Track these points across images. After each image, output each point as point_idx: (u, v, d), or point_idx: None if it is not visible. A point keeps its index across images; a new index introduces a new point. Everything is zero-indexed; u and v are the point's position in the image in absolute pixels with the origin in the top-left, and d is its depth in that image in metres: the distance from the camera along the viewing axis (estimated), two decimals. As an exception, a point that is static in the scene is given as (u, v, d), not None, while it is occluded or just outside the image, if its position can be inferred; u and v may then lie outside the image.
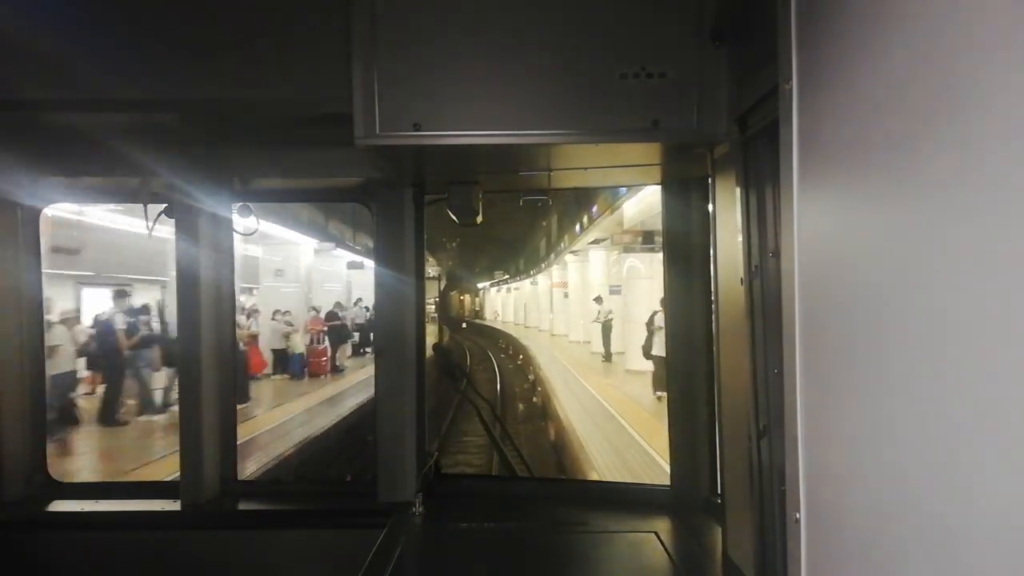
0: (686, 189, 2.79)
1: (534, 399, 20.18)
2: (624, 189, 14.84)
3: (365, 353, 22.03)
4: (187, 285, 2.94)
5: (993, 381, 0.68)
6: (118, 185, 3.07)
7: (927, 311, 0.80)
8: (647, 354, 14.87)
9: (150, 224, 2.92)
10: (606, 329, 22.98)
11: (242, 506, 3.04)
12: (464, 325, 53.80)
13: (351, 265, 24.17)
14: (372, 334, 20.03)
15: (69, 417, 10.16)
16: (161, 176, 2.74)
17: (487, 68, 1.97)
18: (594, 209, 21.54)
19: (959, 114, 0.74)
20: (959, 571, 0.74)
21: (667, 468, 2.95)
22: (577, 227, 26.40)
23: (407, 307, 2.97)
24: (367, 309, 22.75)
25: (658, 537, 2.51)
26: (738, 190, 1.89)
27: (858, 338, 0.98)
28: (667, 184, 2.84)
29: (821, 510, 1.11)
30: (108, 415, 10.69)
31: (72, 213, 14.08)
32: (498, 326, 52.46)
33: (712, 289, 2.30)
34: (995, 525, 0.68)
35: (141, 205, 2.93)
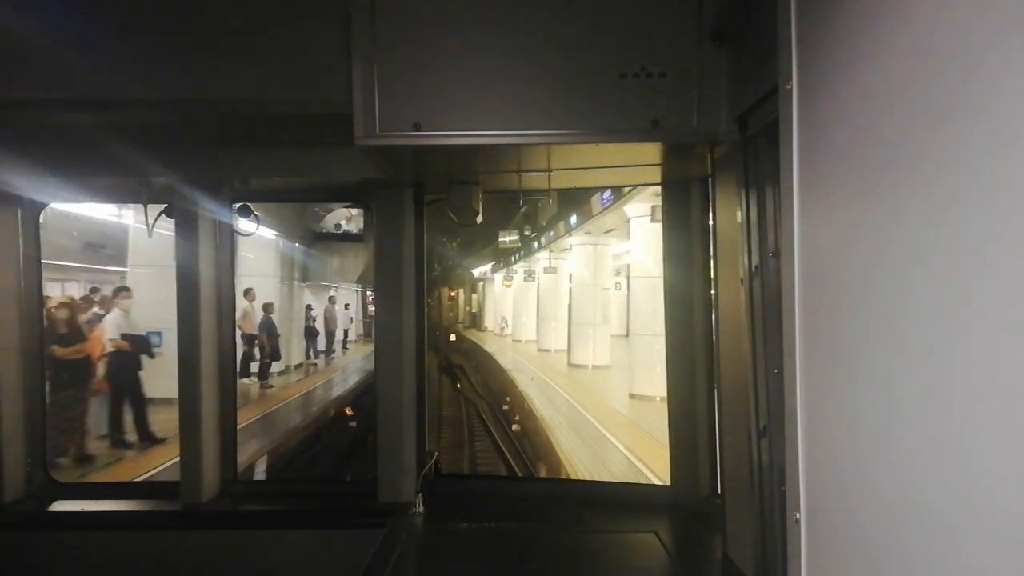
0: (686, 189, 2.79)
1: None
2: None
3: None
4: (187, 285, 2.94)
5: (992, 381, 0.68)
6: (118, 185, 3.07)
7: (927, 311, 0.80)
8: None
9: (150, 224, 2.92)
10: None
11: (242, 506, 3.03)
12: (453, 338, 28.07)
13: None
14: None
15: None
16: (161, 176, 2.74)
17: (487, 68, 1.97)
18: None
19: (959, 113, 0.74)
20: (959, 570, 0.74)
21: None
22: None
23: (407, 307, 2.97)
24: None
25: (658, 537, 2.51)
26: (738, 190, 1.89)
27: (858, 338, 0.98)
28: (667, 184, 2.84)
29: (821, 510, 1.11)
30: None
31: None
32: (507, 358, 21.91)
33: (712, 289, 2.30)
34: (994, 524, 0.68)
35: (141, 205, 2.93)
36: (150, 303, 10.94)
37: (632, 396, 14.14)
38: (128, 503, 3.06)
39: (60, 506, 3.01)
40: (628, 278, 17.16)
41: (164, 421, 9.06)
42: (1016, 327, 0.65)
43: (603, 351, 19.51)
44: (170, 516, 2.90)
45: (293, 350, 17.13)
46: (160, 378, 9.88)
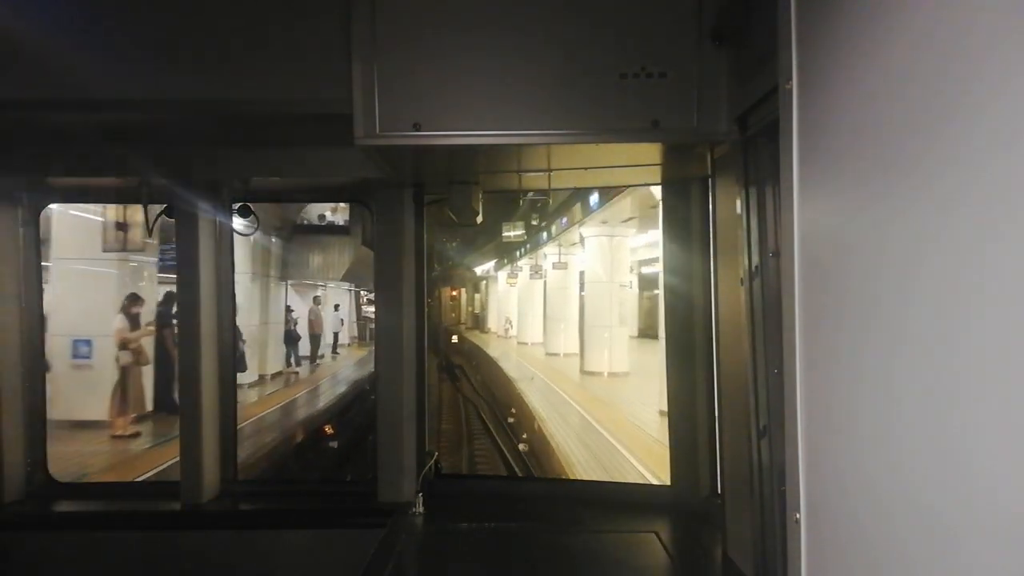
0: (686, 189, 2.79)
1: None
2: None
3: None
4: (187, 285, 2.94)
5: (992, 381, 0.68)
6: (118, 185, 3.08)
7: (927, 310, 0.80)
8: None
9: (150, 224, 2.93)
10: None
11: (242, 506, 3.04)
12: (455, 339, 25.76)
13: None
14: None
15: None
16: (161, 176, 2.75)
17: (487, 68, 1.97)
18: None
19: (959, 113, 0.74)
20: (959, 570, 0.74)
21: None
22: None
23: (407, 307, 2.98)
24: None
25: (658, 537, 2.51)
26: (738, 190, 1.89)
27: (858, 338, 0.98)
28: (667, 184, 2.84)
29: (821, 510, 1.11)
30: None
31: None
32: (511, 363, 20.02)
33: (712, 289, 2.30)
34: (994, 524, 0.68)
35: (141, 205, 2.94)
36: (79, 305, 9.39)
37: (663, 414, 10.52)
38: (128, 503, 3.06)
39: (60, 506, 3.01)
40: (642, 273, 15.20)
41: (80, 454, 6.96)
42: (1016, 327, 0.65)
43: (620, 356, 17.50)
44: (170, 516, 2.90)
45: (269, 358, 15.59)
46: (88, 397, 8.87)
